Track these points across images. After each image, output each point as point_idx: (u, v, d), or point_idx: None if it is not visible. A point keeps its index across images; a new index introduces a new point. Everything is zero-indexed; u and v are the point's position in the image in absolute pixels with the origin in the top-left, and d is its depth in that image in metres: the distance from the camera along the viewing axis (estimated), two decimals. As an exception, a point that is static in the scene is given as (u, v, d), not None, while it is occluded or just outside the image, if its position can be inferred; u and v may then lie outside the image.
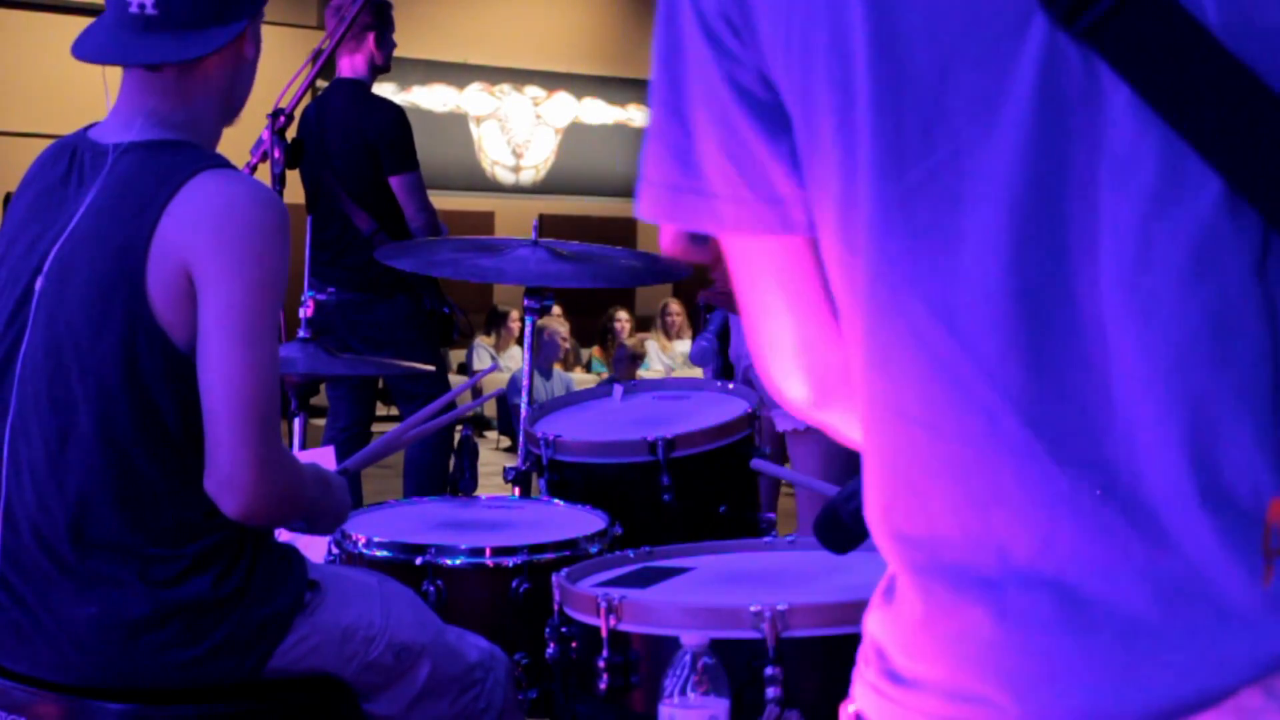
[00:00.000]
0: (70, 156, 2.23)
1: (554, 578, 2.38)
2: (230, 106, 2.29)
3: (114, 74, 2.28)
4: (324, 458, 3.17)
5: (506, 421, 10.28)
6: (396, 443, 2.96)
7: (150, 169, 2.16)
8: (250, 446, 2.10)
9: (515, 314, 11.90)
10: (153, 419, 2.13)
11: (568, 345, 10.79)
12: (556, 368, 10.42)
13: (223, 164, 2.19)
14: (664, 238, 1.21)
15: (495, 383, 10.88)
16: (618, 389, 3.49)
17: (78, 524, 2.13)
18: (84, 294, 2.13)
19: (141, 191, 2.15)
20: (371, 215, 5.11)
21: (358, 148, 5.15)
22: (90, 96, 2.27)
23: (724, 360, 3.72)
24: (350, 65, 5.28)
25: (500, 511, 3.06)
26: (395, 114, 5.28)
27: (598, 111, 15.44)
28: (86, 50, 2.21)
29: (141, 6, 2.16)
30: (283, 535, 2.40)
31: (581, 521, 2.90)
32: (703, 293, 3.94)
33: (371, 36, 5.21)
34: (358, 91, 5.23)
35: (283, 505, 2.18)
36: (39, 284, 2.16)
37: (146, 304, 2.11)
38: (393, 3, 5.32)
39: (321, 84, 15.58)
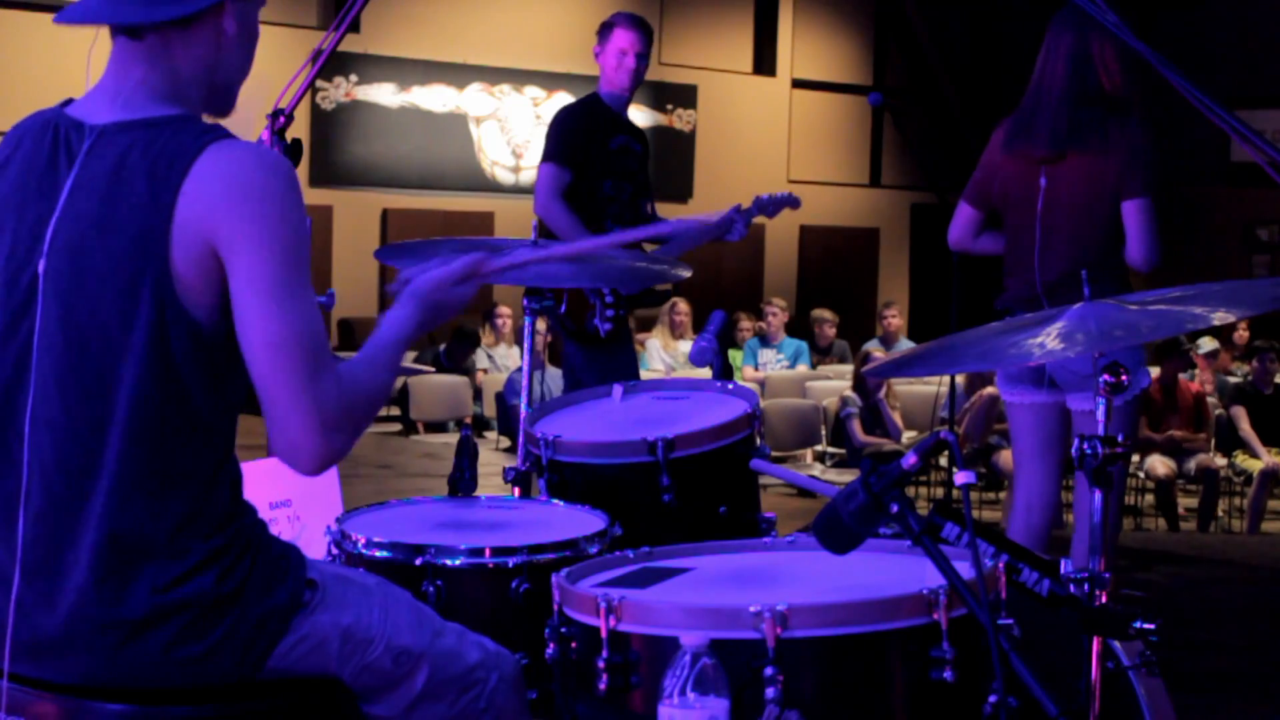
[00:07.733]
0: (54, 135, 2.22)
1: (554, 578, 2.38)
2: (215, 84, 2.28)
3: (99, 60, 2.27)
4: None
5: (506, 422, 10.26)
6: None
7: (154, 150, 2.16)
8: (307, 400, 2.12)
9: (506, 311, 11.90)
10: (185, 405, 2.16)
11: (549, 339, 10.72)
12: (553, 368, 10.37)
13: (224, 135, 2.20)
14: None
15: (495, 384, 10.88)
16: (618, 389, 3.49)
17: (107, 515, 2.14)
18: (107, 283, 2.14)
19: (150, 175, 2.15)
20: None
21: None
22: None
23: (724, 360, 3.71)
24: None
25: (500, 512, 3.05)
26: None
27: (598, 111, 15.42)
28: (65, 16, 2.23)
29: None
30: (285, 534, 2.40)
31: (581, 522, 2.90)
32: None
33: None
34: None
35: (357, 429, 2.20)
36: (41, 271, 2.16)
37: (173, 289, 2.13)
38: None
39: (322, 84, 15.37)
